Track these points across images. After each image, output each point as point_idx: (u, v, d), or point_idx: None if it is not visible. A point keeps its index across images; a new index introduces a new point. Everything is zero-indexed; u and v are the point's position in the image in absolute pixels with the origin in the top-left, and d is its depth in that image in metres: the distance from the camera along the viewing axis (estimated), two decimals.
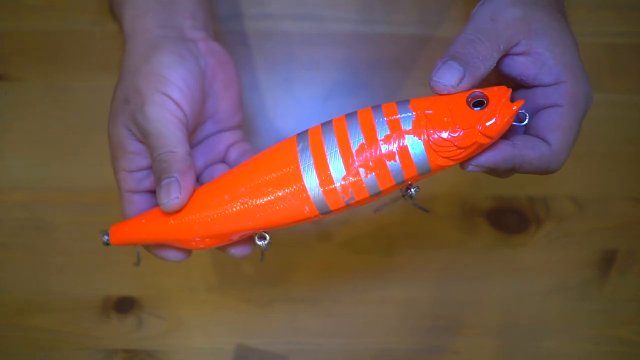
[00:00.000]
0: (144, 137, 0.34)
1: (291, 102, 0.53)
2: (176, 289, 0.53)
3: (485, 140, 0.28)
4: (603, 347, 0.54)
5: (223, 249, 0.35)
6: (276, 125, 0.53)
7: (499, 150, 0.30)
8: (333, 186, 0.30)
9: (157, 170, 0.33)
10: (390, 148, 0.29)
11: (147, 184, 0.36)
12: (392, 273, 0.54)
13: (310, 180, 0.31)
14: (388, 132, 0.30)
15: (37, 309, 0.52)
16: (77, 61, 0.52)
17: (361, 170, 0.30)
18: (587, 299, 0.54)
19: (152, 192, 0.36)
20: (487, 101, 0.29)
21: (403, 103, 0.31)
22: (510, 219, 0.54)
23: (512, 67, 0.32)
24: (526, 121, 0.31)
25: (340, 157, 0.30)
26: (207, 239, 0.33)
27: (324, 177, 0.30)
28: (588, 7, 0.54)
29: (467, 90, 0.29)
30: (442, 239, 0.54)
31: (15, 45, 0.52)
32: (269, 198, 0.31)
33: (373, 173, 0.30)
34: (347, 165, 0.30)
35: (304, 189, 0.31)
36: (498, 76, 0.32)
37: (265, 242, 0.33)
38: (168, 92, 0.34)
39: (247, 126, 0.53)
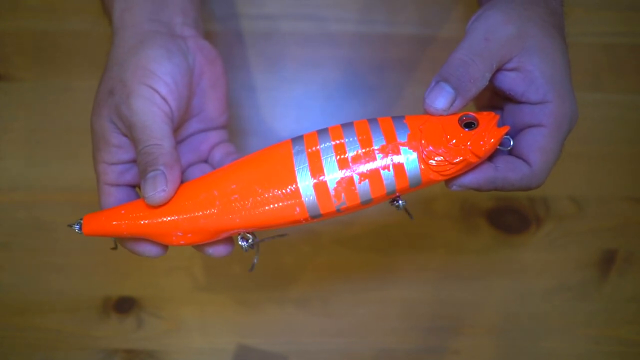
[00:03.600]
0: (129, 130, 0.33)
1: (291, 102, 0.53)
2: (176, 289, 0.53)
3: (474, 159, 0.30)
4: (603, 347, 0.54)
5: (200, 248, 0.34)
6: (275, 126, 0.53)
7: (481, 172, 0.31)
8: (326, 190, 0.30)
9: (143, 163, 0.32)
10: (385, 158, 0.30)
11: (128, 177, 0.35)
12: (392, 273, 0.54)
13: (304, 182, 0.31)
14: (384, 143, 0.31)
15: (37, 309, 0.52)
16: (77, 61, 0.52)
17: (355, 177, 0.30)
18: (587, 299, 0.54)
19: (132, 186, 0.35)
20: (477, 123, 0.31)
21: (398, 118, 0.32)
22: (510, 219, 0.54)
23: (502, 82, 0.33)
24: (510, 147, 0.32)
25: (335, 162, 0.31)
26: (189, 235, 0.32)
27: (318, 180, 0.30)
28: (587, 7, 0.54)
29: (459, 111, 0.31)
30: (442, 239, 0.54)
31: (15, 45, 0.52)
32: (260, 197, 0.31)
33: (367, 180, 0.30)
34: (342, 170, 0.30)
35: (296, 190, 0.31)
36: (486, 88, 0.33)
37: (247, 243, 0.33)
38: (154, 85, 0.33)
39: (245, 127, 0.53)
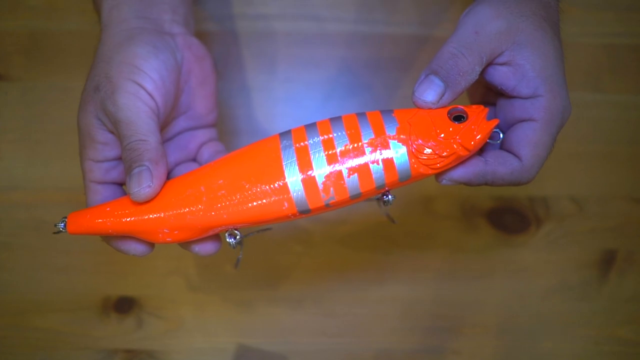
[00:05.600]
0: (114, 126, 0.32)
1: (290, 102, 0.53)
2: (176, 289, 0.53)
3: (464, 153, 0.30)
4: (603, 347, 0.54)
5: (187, 246, 0.34)
6: (275, 125, 0.53)
7: (471, 166, 0.31)
8: (315, 184, 0.30)
9: (128, 159, 0.31)
10: (374, 151, 0.30)
11: (114, 175, 0.34)
12: (392, 273, 0.54)
13: (292, 177, 0.30)
14: (372, 136, 0.30)
15: (37, 309, 0.52)
16: (77, 61, 0.52)
17: (344, 171, 0.30)
18: (587, 299, 0.54)
19: (119, 183, 0.35)
20: (466, 117, 0.30)
21: (387, 112, 0.31)
22: (510, 219, 0.54)
23: (493, 76, 0.32)
24: (499, 140, 0.32)
25: (324, 156, 0.30)
26: (176, 232, 0.31)
27: (307, 174, 0.30)
28: (587, 8, 0.54)
29: (448, 105, 0.31)
30: (442, 239, 0.54)
31: (15, 45, 0.52)
32: (248, 192, 0.31)
33: (355, 174, 0.30)
34: (331, 165, 0.30)
35: (285, 185, 0.30)
36: (480, 83, 0.33)
37: (235, 240, 0.32)
38: (140, 81, 0.33)
39: (243, 127, 0.53)
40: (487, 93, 0.36)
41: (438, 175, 0.32)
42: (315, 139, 0.31)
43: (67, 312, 0.52)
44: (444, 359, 0.54)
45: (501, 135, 0.32)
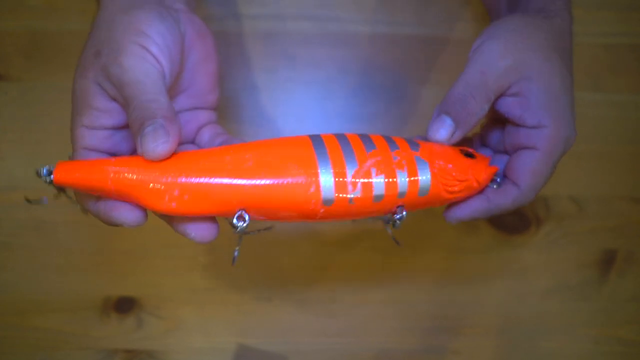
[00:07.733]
0: (120, 90, 0.30)
1: (291, 102, 0.53)
2: (176, 289, 0.53)
3: (475, 184, 0.33)
4: (603, 347, 0.54)
5: (182, 228, 0.31)
6: (277, 125, 0.53)
7: (475, 204, 0.34)
8: (344, 175, 0.30)
9: (139, 118, 0.28)
10: (401, 159, 0.31)
11: (108, 145, 0.31)
12: (392, 273, 0.54)
13: (323, 165, 0.30)
14: (398, 149, 0.32)
15: (37, 309, 0.52)
16: (77, 61, 0.52)
17: (372, 170, 0.31)
18: (587, 299, 0.54)
19: (111, 154, 0.32)
20: (475, 157, 0.34)
21: (409, 138, 0.34)
22: (510, 219, 0.54)
23: (501, 106, 0.34)
24: (497, 184, 0.35)
25: (354, 154, 0.31)
26: (185, 197, 0.28)
27: (337, 166, 0.30)
28: (587, 7, 0.54)
29: (459, 139, 0.34)
30: (443, 239, 0.54)
31: (15, 45, 0.52)
32: (276, 168, 0.29)
33: (382, 174, 0.31)
34: (361, 162, 0.31)
35: (314, 167, 0.29)
36: (491, 109, 0.35)
37: (243, 225, 0.30)
38: (146, 45, 0.31)
39: (246, 127, 0.53)
40: (495, 116, 0.37)
41: (447, 210, 0.35)
42: (346, 143, 0.31)
43: (67, 312, 0.52)
44: (444, 359, 0.54)
45: (498, 180, 0.35)
